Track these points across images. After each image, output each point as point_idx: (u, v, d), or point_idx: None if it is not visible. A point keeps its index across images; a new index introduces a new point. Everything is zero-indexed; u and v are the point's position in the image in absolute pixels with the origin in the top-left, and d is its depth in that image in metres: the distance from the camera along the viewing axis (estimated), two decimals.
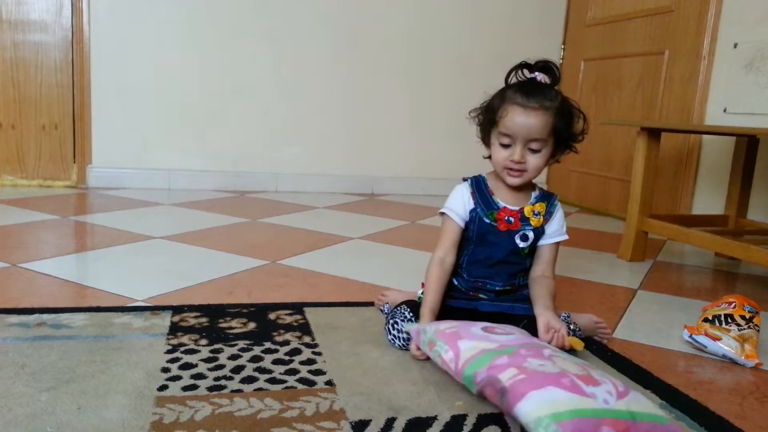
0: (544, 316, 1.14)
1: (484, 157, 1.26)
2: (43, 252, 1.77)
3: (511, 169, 1.18)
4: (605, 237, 2.53)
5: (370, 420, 0.90)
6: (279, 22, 3.07)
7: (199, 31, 2.98)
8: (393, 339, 1.18)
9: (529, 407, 0.82)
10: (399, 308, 1.22)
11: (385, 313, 1.30)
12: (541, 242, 1.26)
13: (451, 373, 0.98)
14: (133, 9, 2.88)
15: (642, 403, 0.88)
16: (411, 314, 1.19)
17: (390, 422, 0.90)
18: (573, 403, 0.81)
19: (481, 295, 1.24)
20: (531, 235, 1.22)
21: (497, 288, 1.23)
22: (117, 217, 2.32)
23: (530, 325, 1.16)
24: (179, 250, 1.87)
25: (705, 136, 2.52)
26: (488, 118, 1.20)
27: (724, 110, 2.42)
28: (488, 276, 1.23)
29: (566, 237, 1.28)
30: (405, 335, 1.17)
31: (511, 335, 1.03)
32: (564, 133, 1.18)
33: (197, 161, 3.09)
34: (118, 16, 2.87)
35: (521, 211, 1.22)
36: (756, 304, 1.34)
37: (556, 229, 1.26)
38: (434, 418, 0.92)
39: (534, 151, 1.17)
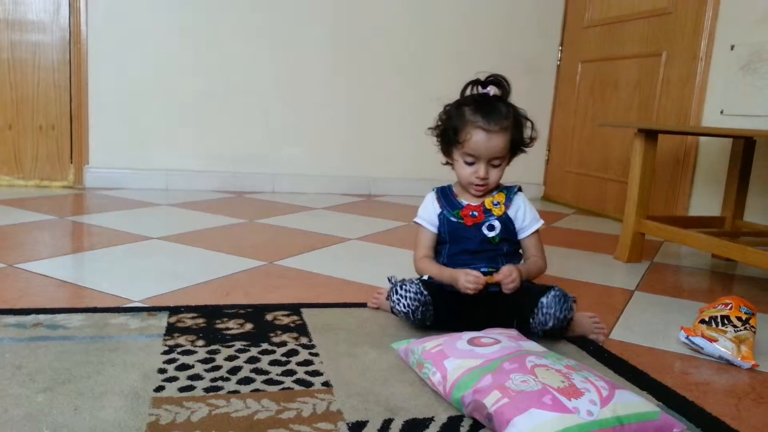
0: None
1: (443, 164, 1.37)
2: (40, 252, 1.76)
3: (476, 184, 1.30)
4: (602, 238, 2.54)
5: (367, 421, 0.90)
6: (277, 23, 3.07)
7: (198, 31, 2.98)
8: (398, 299, 1.21)
9: None
10: (408, 279, 1.26)
11: (392, 284, 1.29)
12: (521, 236, 1.34)
13: (441, 395, 0.99)
14: (131, 9, 2.88)
15: (629, 403, 0.88)
16: (418, 280, 1.24)
17: (387, 423, 0.90)
18: (556, 424, 0.82)
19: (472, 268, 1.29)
20: (497, 224, 1.31)
21: (482, 270, 1.27)
22: (114, 217, 2.32)
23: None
24: (176, 251, 1.86)
25: (702, 138, 2.53)
26: (450, 138, 1.29)
27: (721, 112, 2.43)
28: (469, 262, 1.30)
29: (541, 222, 1.37)
30: (412, 295, 1.20)
31: (496, 345, 1.03)
32: (519, 142, 1.30)
33: (195, 162, 3.08)
34: (116, 16, 2.87)
35: (483, 204, 1.32)
36: (752, 306, 1.35)
37: (530, 219, 1.35)
38: (431, 419, 0.92)
39: (495, 166, 1.29)
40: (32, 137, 2.86)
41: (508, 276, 1.22)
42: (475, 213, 1.31)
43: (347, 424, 0.89)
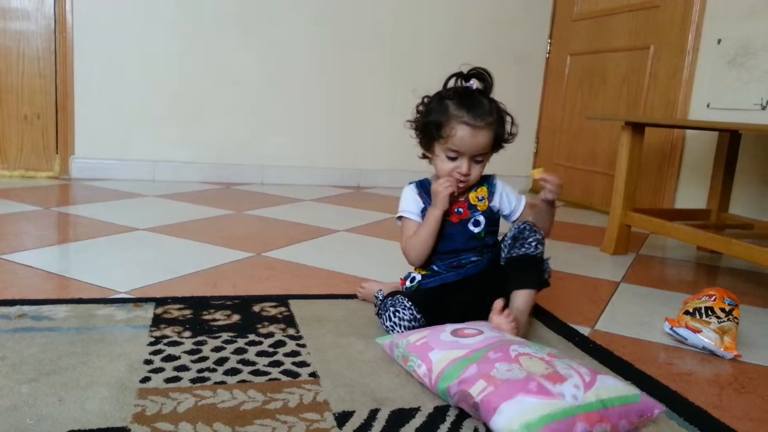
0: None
1: (420, 157, 1.33)
2: (25, 243, 1.75)
3: (457, 180, 1.25)
4: (589, 231, 2.55)
5: (354, 411, 0.90)
6: (264, 13, 3.05)
7: (184, 21, 2.95)
8: (393, 326, 1.19)
9: (502, 422, 0.83)
10: (397, 298, 1.22)
11: (380, 300, 1.29)
12: (513, 218, 1.33)
13: (427, 387, 0.99)
14: None
15: (611, 386, 0.90)
16: (410, 302, 1.20)
17: (373, 413, 0.90)
18: (543, 409, 0.83)
19: (463, 261, 1.29)
20: (482, 219, 1.29)
21: (472, 259, 1.28)
22: (100, 208, 2.30)
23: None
24: (163, 242, 1.85)
25: (688, 131, 2.55)
26: (432, 132, 1.25)
27: (708, 105, 2.45)
28: (457, 257, 1.29)
29: (524, 199, 1.35)
30: (406, 323, 1.18)
31: (479, 335, 1.03)
32: (501, 138, 1.27)
33: (182, 152, 3.06)
34: (102, 4, 2.83)
35: (467, 199, 1.29)
36: (736, 297, 1.36)
37: (515, 201, 1.33)
38: (417, 410, 0.92)
39: (478, 162, 1.25)
40: (17, 127, 2.83)
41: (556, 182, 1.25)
42: (460, 210, 1.28)
43: (334, 414, 0.89)
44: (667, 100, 2.64)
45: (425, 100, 1.30)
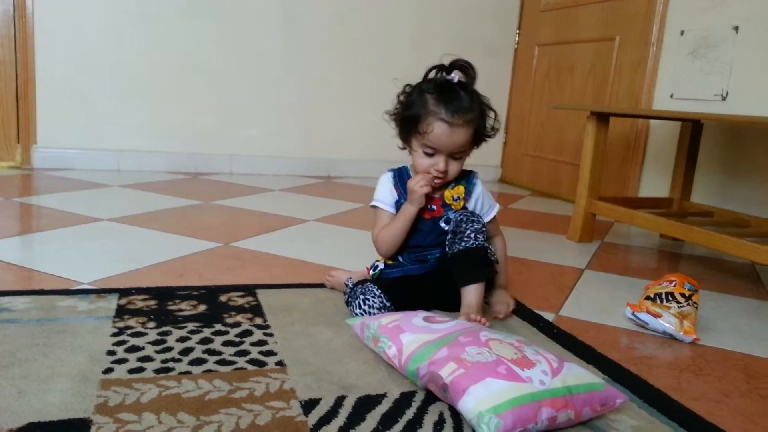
0: (499, 293, 1.35)
1: (400, 148, 1.32)
2: None
3: (434, 176, 1.23)
4: (555, 219, 2.59)
5: (320, 399, 0.90)
6: (231, 2, 3.00)
7: (149, 6, 2.89)
8: (362, 314, 1.20)
9: (470, 404, 0.84)
10: (367, 285, 1.23)
11: (350, 288, 1.28)
12: None
13: (396, 368, 1.00)
14: None
15: (577, 374, 0.91)
16: (379, 290, 1.21)
17: (340, 400, 0.90)
18: (511, 392, 0.84)
19: (428, 256, 1.30)
20: (454, 217, 1.27)
21: (437, 255, 1.29)
22: (63, 198, 2.25)
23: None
24: (128, 233, 1.82)
25: (652, 121, 2.60)
26: (410, 126, 1.23)
27: (671, 96, 2.49)
28: (425, 252, 1.30)
29: (497, 207, 1.36)
30: (375, 311, 1.18)
31: (451, 322, 1.06)
32: (482, 134, 1.25)
33: (148, 142, 3.01)
34: None
35: (442, 197, 1.28)
36: (696, 283, 1.40)
37: (488, 207, 1.34)
38: (384, 396, 0.93)
39: (456, 159, 1.24)
40: None
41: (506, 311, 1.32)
42: (434, 207, 1.27)
43: (300, 402, 0.89)
44: (631, 91, 2.69)
45: (407, 89, 1.26)
